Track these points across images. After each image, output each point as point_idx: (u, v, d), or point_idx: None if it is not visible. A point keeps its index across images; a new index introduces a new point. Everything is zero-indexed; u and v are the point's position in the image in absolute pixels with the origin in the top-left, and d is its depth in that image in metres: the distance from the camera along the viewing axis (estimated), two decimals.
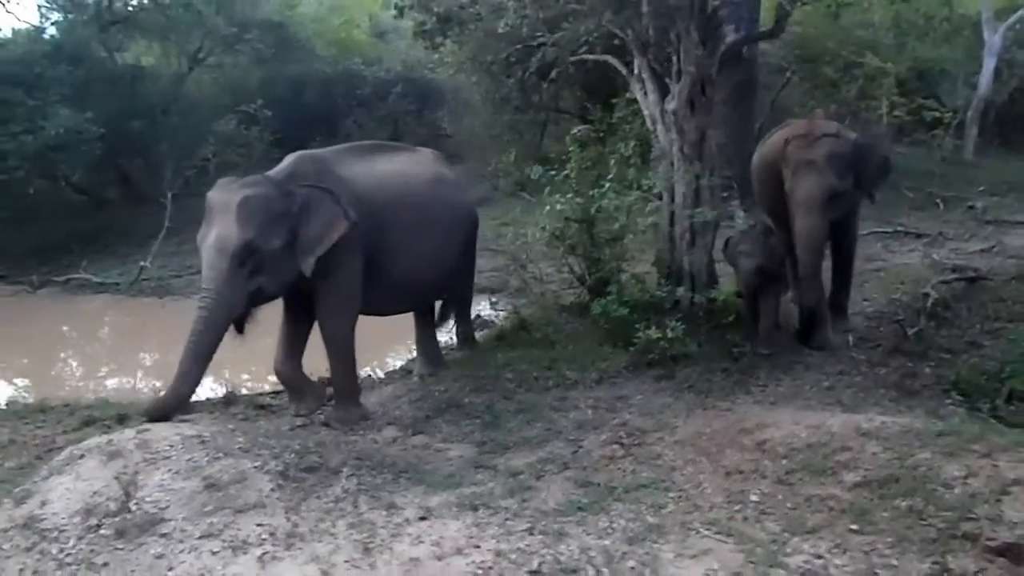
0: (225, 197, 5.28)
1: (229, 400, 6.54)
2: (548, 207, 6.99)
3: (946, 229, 11.12)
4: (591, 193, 6.67)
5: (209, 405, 6.44)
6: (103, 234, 14.33)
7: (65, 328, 11.17)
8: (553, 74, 13.56)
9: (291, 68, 17.95)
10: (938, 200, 12.49)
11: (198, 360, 5.10)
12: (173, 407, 5.06)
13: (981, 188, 12.99)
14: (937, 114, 14.35)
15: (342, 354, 5.76)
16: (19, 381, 9.09)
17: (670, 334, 5.96)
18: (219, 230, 5.19)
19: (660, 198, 6.84)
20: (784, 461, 4.39)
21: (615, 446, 4.91)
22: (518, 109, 15.75)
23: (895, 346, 6.91)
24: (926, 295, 7.75)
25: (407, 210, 5.97)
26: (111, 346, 10.82)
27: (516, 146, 14.11)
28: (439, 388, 6.28)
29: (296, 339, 5.89)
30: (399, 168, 6.20)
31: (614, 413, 5.43)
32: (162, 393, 5.31)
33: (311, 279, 5.42)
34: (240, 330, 5.42)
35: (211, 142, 15.49)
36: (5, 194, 13.62)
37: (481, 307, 9.03)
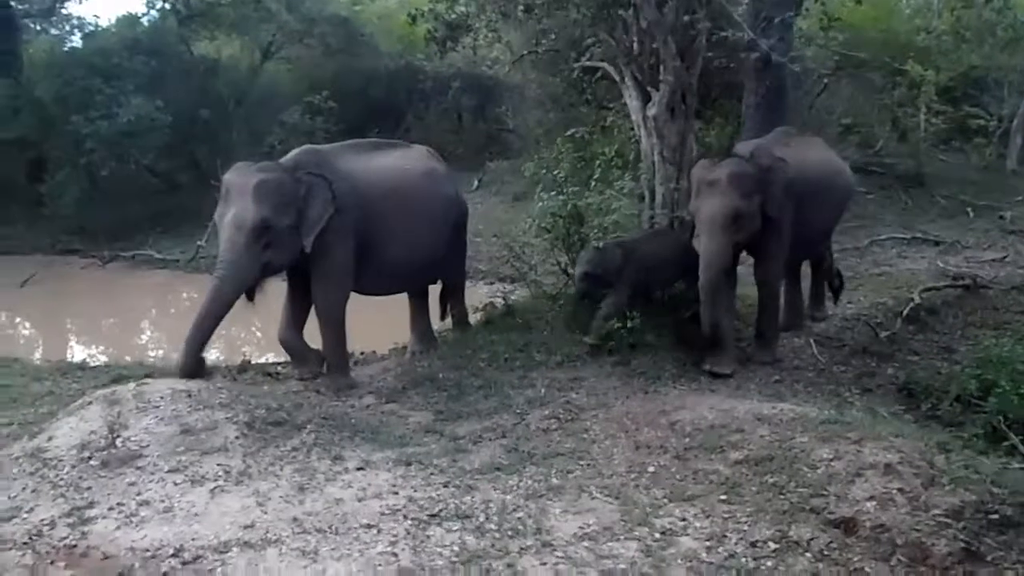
0: (242, 180, 6.02)
1: (243, 367, 7.25)
2: (539, 203, 7.52)
3: (967, 237, 11.24)
4: (568, 191, 7.18)
5: (224, 370, 7.18)
6: (172, 214, 15.37)
7: (124, 298, 12.21)
8: (600, 72, 13.98)
9: (356, 62, 18.74)
10: (969, 208, 12.53)
11: (206, 326, 5.91)
12: (188, 366, 5.86)
13: (1020, 198, 12.95)
14: (982, 122, 14.34)
15: (333, 328, 6.44)
16: (71, 342, 10.16)
17: (630, 324, 6.45)
18: (237, 209, 5.93)
19: (642, 199, 7.31)
20: (687, 439, 4.90)
21: (552, 420, 5.47)
22: (571, 106, 16.22)
23: (863, 347, 7.27)
24: (910, 300, 8.05)
25: (398, 200, 6.61)
26: (161, 315, 11.86)
27: (570, 142, 14.59)
28: (422, 364, 6.91)
29: (298, 312, 6.59)
30: (392, 163, 6.84)
31: (563, 392, 5.97)
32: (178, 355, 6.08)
33: (309, 259, 6.12)
34: (251, 298, 6.16)
35: (277, 131, 16.41)
36: (83, 175, 14.83)
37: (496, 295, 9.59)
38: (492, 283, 10.81)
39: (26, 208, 15.26)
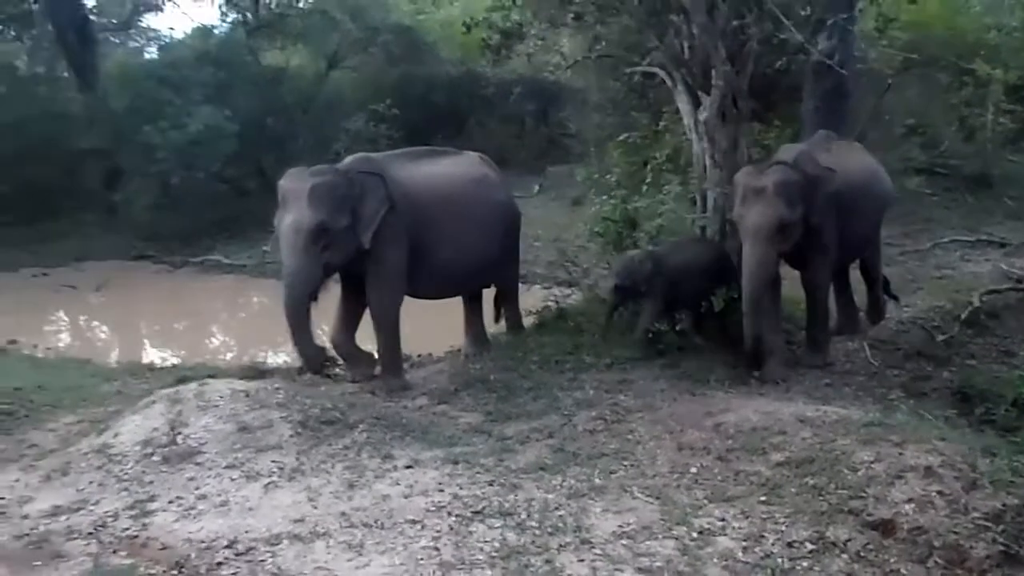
0: (297, 185, 6.22)
1: (301, 369, 7.47)
2: (593, 207, 7.61)
3: None
4: (619, 196, 7.26)
5: (282, 371, 7.42)
6: (240, 220, 15.75)
7: (194, 302, 12.67)
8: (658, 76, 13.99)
9: (419, 69, 19.00)
10: None
11: (302, 326, 6.16)
12: (312, 363, 6.37)
13: None
14: None
15: (387, 331, 6.62)
16: (142, 344, 10.59)
17: (678, 328, 6.49)
18: (294, 214, 6.13)
19: (694, 203, 7.34)
20: (730, 441, 4.94)
21: (599, 421, 5.55)
22: (632, 110, 16.20)
23: (918, 351, 7.17)
24: (970, 303, 7.90)
25: (449, 206, 6.77)
26: (229, 319, 12.28)
27: (624, 147, 14.64)
28: (475, 366, 7.04)
29: (351, 316, 6.79)
30: (444, 170, 7.01)
31: (611, 394, 6.04)
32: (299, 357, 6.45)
33: (363, 263, 6.31)
34: (314, 298, 6.34)
35: (342, 138, 16.74)
36: (155, 183, 15.39)
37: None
38: (549, 287, 10.78)
39: (102, 216, 15.85)
